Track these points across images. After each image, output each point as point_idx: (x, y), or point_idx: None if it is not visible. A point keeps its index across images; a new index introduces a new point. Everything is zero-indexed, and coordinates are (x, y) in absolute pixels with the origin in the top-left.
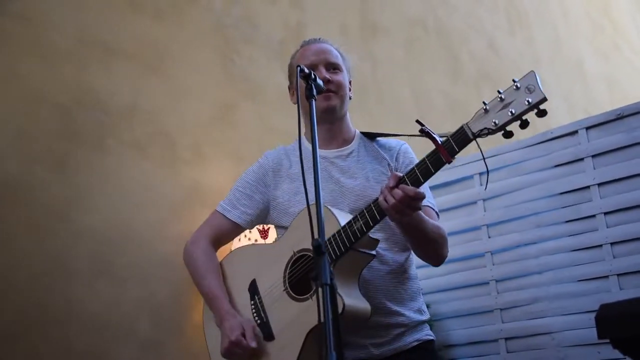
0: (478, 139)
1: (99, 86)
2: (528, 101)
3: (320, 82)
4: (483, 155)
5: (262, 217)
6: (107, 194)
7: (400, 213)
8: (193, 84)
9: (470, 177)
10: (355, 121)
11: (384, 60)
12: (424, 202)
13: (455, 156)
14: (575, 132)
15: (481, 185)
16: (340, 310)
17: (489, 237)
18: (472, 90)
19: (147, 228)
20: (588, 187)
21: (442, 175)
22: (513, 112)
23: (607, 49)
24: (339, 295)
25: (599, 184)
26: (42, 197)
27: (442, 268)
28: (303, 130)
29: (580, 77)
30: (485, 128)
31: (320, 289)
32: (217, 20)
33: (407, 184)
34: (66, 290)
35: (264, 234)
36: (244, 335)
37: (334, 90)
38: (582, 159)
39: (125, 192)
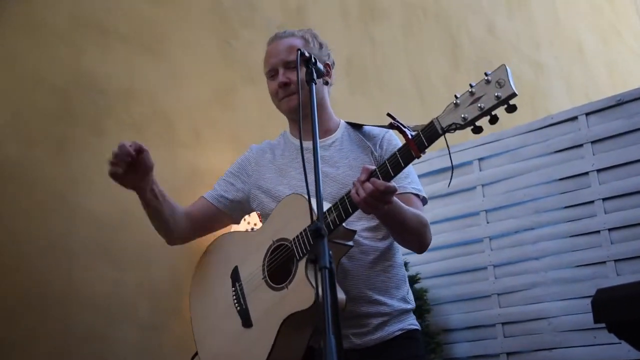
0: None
1: (96, 68)
2: (497, 96)
3: (320, 66)
4: (449, 151)
5: (241, 204)
6: (105, 176)
7: (372, 207)
8: (191, 66)
9: (470, 162)
10: (356, 105)
11: (384, 44)
12: (407, 189)
13: (425, 150)
14: (575, 118)
15: (481, 170)
16: (312, 301)
17: (488, 223)
18: (471, 73)
19: None
20: (587, 173)
21: (441, 161)
22: (482, 107)
23: (606, 32)
24: (312, 286)
25: (598, 170)
26: (41, 180)
27: (440, 253)
28: (288, 127)
29: (580, 59)
30: (454, 123)
31: (319, 272)
32: (215, 2)
33: (378, 177)
34: (66, 272)
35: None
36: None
37: (294, 90)
38: (581, 145)
39: None
